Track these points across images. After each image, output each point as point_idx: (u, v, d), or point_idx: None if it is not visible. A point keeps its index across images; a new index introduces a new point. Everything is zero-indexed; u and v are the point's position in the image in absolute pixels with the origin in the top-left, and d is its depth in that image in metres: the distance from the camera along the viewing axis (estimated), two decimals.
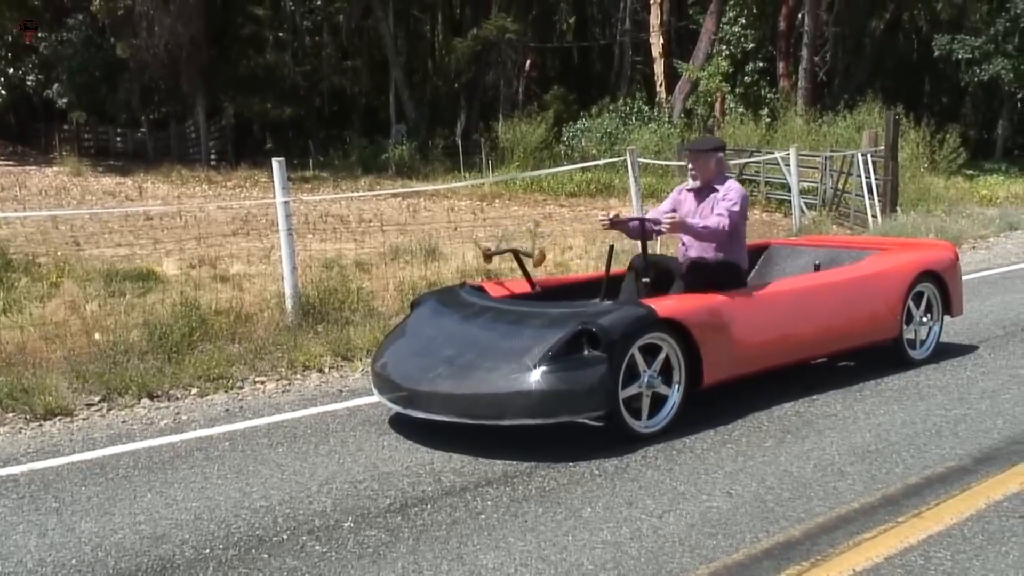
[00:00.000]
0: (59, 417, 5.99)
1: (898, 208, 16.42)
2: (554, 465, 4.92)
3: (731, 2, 33.88)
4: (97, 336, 7.67)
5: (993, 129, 42.99)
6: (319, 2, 44.57)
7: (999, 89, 37.90)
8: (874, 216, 15.77)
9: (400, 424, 5.68)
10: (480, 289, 6.28)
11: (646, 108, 34.72)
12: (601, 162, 20.66)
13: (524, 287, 6.45)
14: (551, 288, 6.54)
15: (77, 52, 40.20)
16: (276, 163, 8.57)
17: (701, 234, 6.06)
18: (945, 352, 7.09)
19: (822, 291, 6.43)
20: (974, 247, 13.88)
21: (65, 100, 41.50)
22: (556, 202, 24.58)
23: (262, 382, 6.82)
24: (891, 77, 41.16)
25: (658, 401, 5.41)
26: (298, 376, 6.99)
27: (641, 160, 14.34)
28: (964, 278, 7.66)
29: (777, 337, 6.01)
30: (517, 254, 6.56)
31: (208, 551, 3.99)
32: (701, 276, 6.02)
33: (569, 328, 5.15)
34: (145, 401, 6.34)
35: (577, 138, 33.48)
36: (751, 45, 33.44)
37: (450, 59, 41.60)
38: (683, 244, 6.41)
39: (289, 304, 8.38)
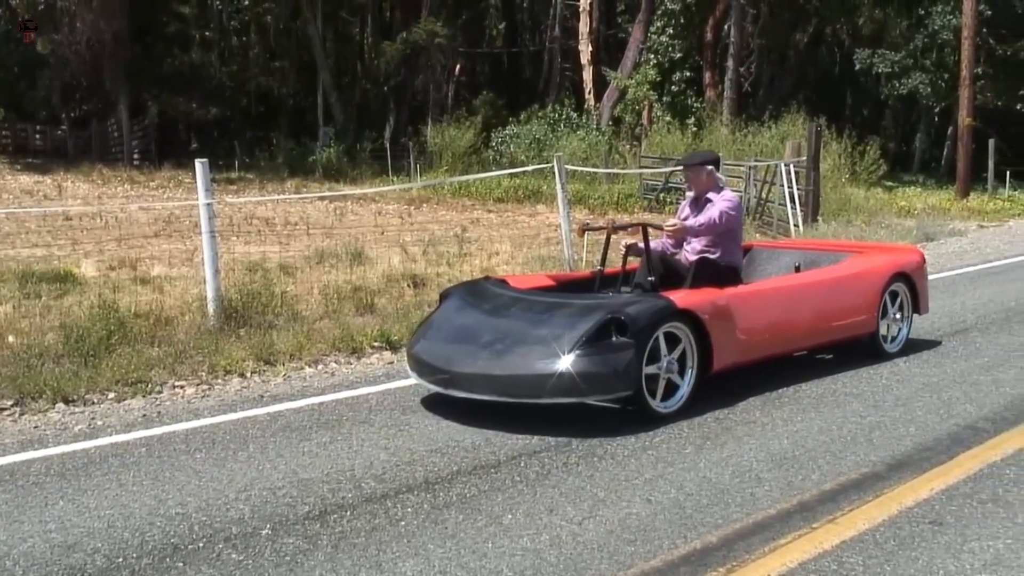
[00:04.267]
0: None
1: (819, 218, 16.78)
2: (475, 471, 4.92)
3: (659, 12, 34.29)
4: (11, 339, 7.47)
5: (911, 142, 44.15)
6: (246, 2, 44.05)
7: (917, 103, 38.93)
8: (796, 225, 16.09)
9: (321, 430, 5.63)
10: (503, 282, 6.83)
11: (574, 115, 34.97)
12: (529, 168, 20.75)
13: (540, 281, 7.16)
14: (565, 282, 7.16)
15: None
16: (199, 164, 8.44)
17: (699, 231, 6.76)
18: (861, 360, 7.25)
19: (811, 289, 7.04)
20: None
21: None
22: (484, 207, 24.59)
23: (181, 387, 6.71)
24: (814, 89, 42.05)
25: (672, 385, 5.93)
26: (219, 381, 6.89)
27: (569, 167, 14.42)
28: None
29: (772, 330, 6.61)
30: (616, 229, 7.00)
31: (121, 560, 3.90)
32: (705, 274, 6.59)
33: (599, 316, 5.66)
34: (60, 406, 6.18)
35: (506, 144, 33.56)
36: (678, 55, 33.89)
37: (379, 62, 41.37)
38: (686, 249, 7.01)
39: (211, 307, 8.26)
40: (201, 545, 4.04)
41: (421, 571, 3.81)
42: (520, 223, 20.16)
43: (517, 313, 6.08)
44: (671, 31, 34.13)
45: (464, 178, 25.02)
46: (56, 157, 39.39)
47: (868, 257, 7.78)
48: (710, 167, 6.95)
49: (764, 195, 18.82)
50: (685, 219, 6.94)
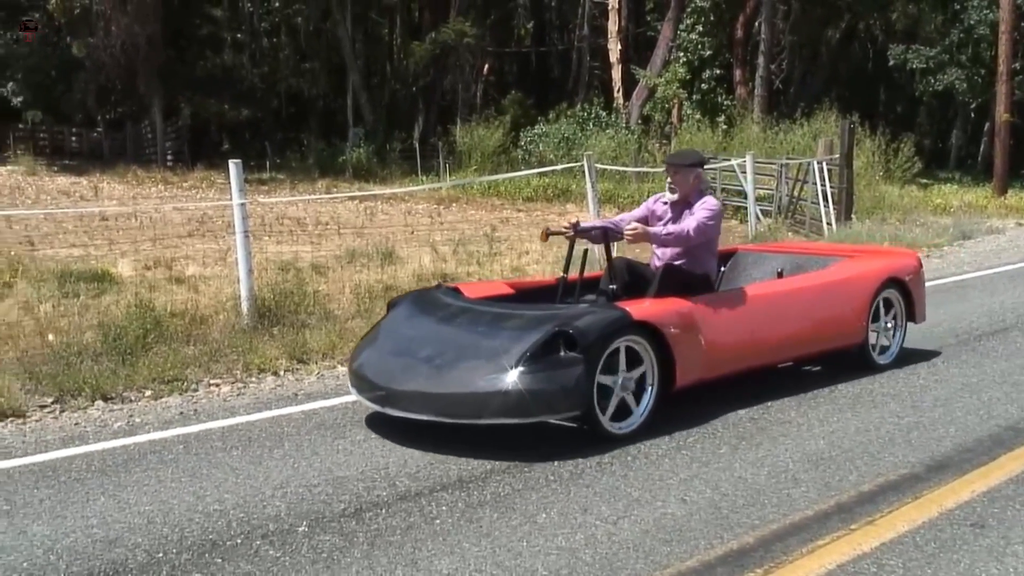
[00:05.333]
0: (11, 419, 5.90)
1: (853, 216, 16.65)
2: (509, 470, 4.92)
3: (689, 9, 34.16)
4: (51, 337, 7.57)
5: (947, 139, 43.74)
6: (277, 4, 44.31)
7: (953, 99, 38.56)
8: (829, 224, 15.97)
9: (355, 428, 5.66)
10: (456, 290, 6.39)
11: (603, 114, 34.90)
12: (558, 167, 20.74)
13: (499, 289, 6.63)
14: (526, 290, 6.66)
15: (33, 51, 39.64)
16: (233, 165, 8.52)
17: (666, 241, 6.18)
18: (899, 360, 7.19)
19: (790, 297, 6.60)
20: (928, 256, 14.09)
21: (20, 99, 40.92)
22: (513, 206, 24.61)
23: (217, 385, 6.76)
24: (847, 86, 41.74)
25: (629, 404, 5.53)
26: (253, 379, 6.94)
27: (598, 166, 14.40)
28: None
29: (746, 341, 6.16)
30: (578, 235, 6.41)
31: (161, 555, 3.94)
32: (672, 282, 6.06)
33: (546, 330, 5.27)
34: (99, 403, 6.25)
35: (535, 143, 33.56)
36: (708, 52, 33.75)
37: (408, 63, 41.50)
38: (655, 254, 6.49)
39: (245, 306, 8.32)
40: (239, 541, 4.07)
41: (457, 569, 3.82)
42: (550, 222, 20.13)
43: (463, 325, 5.66)
44: (701, 28, 34.01)
45: (493, 178, 25.05)
46: (92, 159, 39.82)
47: (857, 262, 7.30)
48: (699, 169, 6.44)
49: (797, 193, 18.69)
50: (666, 222, 6.33)
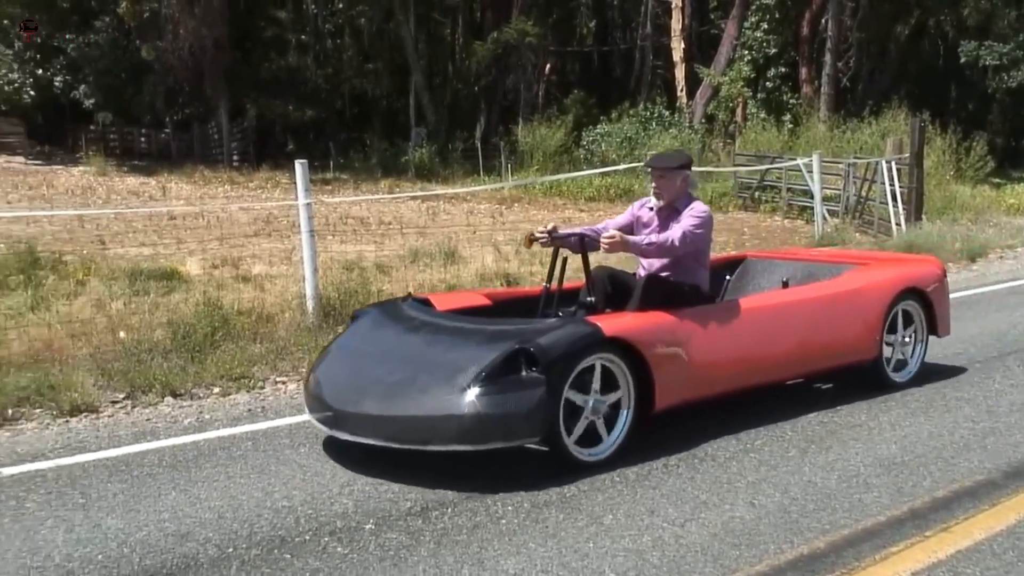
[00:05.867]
0: (85, 414, 6.02)
1: (923, 216, 16.32)
2: (575, 470, 4.89)
3: (754, 7, 33.79)
4: (122, 334, 7.71)
5: (1021, 137, 42.69)
6: (341, 5, 44.73)
7: None
8: (898, 224, 15.68)
9: None
10: (425, 302, 5.90)
11: (666, 113, 34.67)
12: (621, 167, 20.67)
13: (474, 300, 6.12)
14: (505, 301, 6.14)
15: (104, 54, 40.52)
16: (299, 165, 8.61)
17: (647, 251, 5.71)
18: (972, 364, 7.03)
19: (790, 309, 6.07)
20: (1001, 257, 13.77)
21: (92, 101, 41.84)
22: (575, 206, 24.56)
23: (283, 382, 6.84)
24: (916, 83, 40.95)
25: (607, 426, 5.09)
26: None
27: None
28: (991, 288, 7.60)
29: (739, 358, 5.68)
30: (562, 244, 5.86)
31: (231, 550, 3.99)
32: (657, 294, 5.56)
33: (506, 347, 4.82)
34: (169, 399, 6.36)
35: (597, 142, 33.45)
36: (773, 50, 33.35)
37: (470, 62, 41.64)
38: (642, 264, 6.02)
39: (310, 305, 8.41)
40: (307, 538, 4.11)
41: (523, 569, 3.81)
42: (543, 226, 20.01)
43: (421, 342, 5.23)
44: (766, 26, 33.63)
45: (555, 177, 25.03)
46: (160, 159, 40.57)
47: (871, 271, 6.70)
48: (687, 172, 5.92)
49: (865, 193, 18.39)
50: (652, 230, 5.85)
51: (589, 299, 5.63)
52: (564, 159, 32.29)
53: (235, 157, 38.56)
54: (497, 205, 24.49)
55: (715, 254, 7.59)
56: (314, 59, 44.06)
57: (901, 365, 6.62)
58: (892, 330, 6.51)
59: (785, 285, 6.59)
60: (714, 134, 32.71)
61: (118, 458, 5.21)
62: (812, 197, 17.14)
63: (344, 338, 5.65)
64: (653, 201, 5.90)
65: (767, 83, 33.08)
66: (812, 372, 6.33)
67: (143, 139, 45.24)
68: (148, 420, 5.97)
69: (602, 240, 5.55)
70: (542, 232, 5.75)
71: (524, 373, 4.75)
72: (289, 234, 15.34)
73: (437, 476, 4.81)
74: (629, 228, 5.94)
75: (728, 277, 6.86)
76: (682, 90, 36.52)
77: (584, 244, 5.68)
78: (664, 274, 5.79)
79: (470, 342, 5.06)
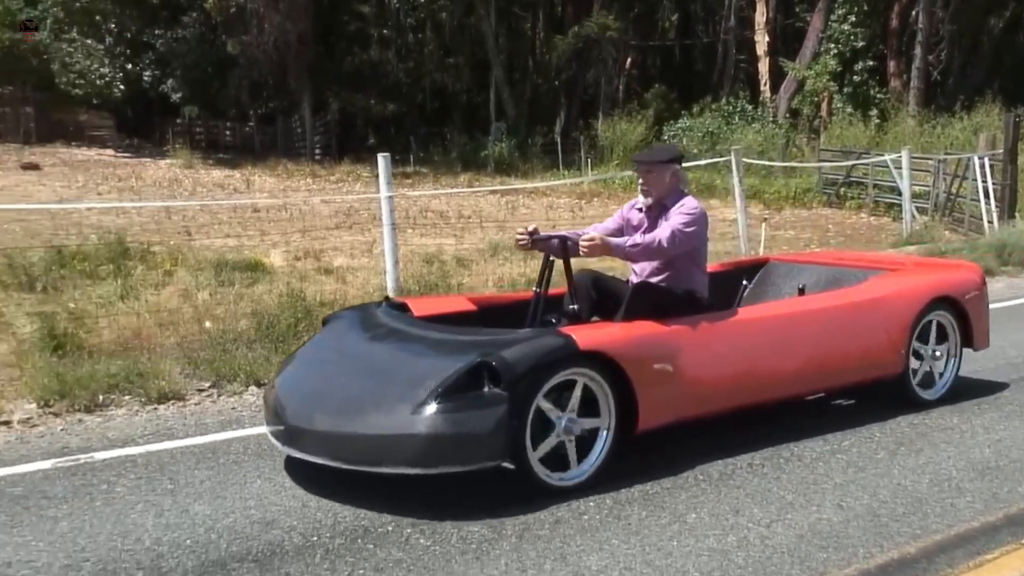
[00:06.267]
0: (172, 401, 6.15)
1: (1016, 214, 15.83)
2: (658, 467, 4.84)
3: None
4: (208, 324, 7.86)
5: None
6: (422, 0, 45.02)
7: None
8: (990, 222, 15.23)
9: None
10: (402, 307, 5.50)
11: (749, 108, 34.21)
12: (702, 162, 20.40)
13: (457, 305, 5.69)
14: (492, 308, 5.69)
15: (191, 49, 41.40)
16: (382, 159, 8.67)
17: (631, 254, 5.22)
18: None
19: (800, 319, 5.56)
20: None
21: (179, 95, 42.79)
22: None
23: None
24: (1011, 77, 39.65)
25: (581, 448, 4.64)
26: None
27: (745, 160, 14.10)
28: None
29: (739, 373, 5.20)
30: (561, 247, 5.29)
31: (316, 538, 4.03)
32: (646, 303, 5.13)
33: (467, 360, 4.41)
34: (253, 388, 6.45)
35: (678, 137, 33.14)
36: (861, 43, 32.64)
37: (551, 57, 41.58)
38: (634, 270, 5.60)
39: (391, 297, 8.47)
40: (390, 528, 4.13)
41: (606, 566, 3.78)
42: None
43: (385, 352, 4.83)
44: (853, 18, 32.92)
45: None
46: (244, 152, 41.34)
47: (898, 278, 6.14)
48: (676, 166, 5.48)
49: (955, 190, 17.90)
50: (643, 232, 5.36)
51: (572, 307, 5.19)
52: None
53: (317, 150, 39.09)
54: (576, 200, 24.42)
55: (734, 258, 7.42)
56: (396, 53, 44.42)
57: (930, 381, 6.04)
58: (923, 342, 5.97)
59: (801, 292, 6.10)
60: (798, 129, 32.16)
61: (204, 445, 5.31)
62: (900, 194, 16.75)
63: (308, 346, 5.30)
64: (641, 200, 5.48)
65: (854, 77, 32.39)
66: (827, 388, 5.79)
67: (228, 132, 46.12)
68: (233, 408, 6.07)
69: (580, 244, 5.10)
70: (522, 234, 5.33)
71: (486, 389, 4.32)
72: (369, 227, 15.50)
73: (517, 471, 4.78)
74: (619, 232, 5.47)
75: (746, 283, 6.50)
76: (766, 84, 35.98)
77: (566, 248, 5.20)
78: (656, 279, 5.37)
79: (432, 354, 4.66)
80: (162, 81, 43.11)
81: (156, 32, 42.53)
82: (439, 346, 4.74)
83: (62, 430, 5.61)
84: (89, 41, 43.21)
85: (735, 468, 4.87)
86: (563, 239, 5.22)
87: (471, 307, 5.63)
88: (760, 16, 36.79)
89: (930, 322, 5.97)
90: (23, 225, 15.63)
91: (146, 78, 43.66)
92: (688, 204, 5.33)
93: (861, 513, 4.29)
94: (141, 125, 45.70)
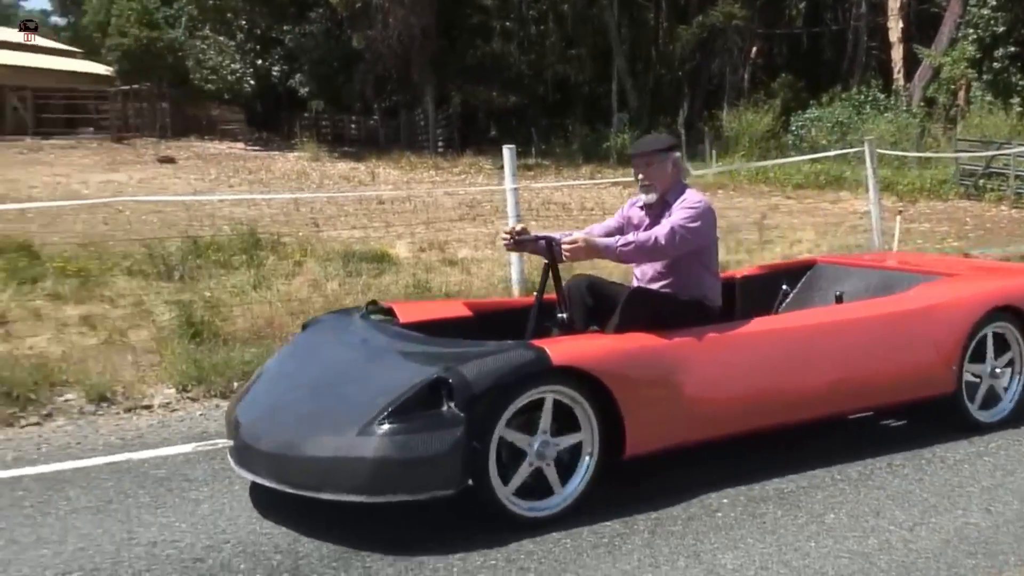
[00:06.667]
0: None
1: None
2: (791, 466, 4.71)
3: None
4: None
5: None
6: None
7: None
8: None
9: None
10: (387, 312, 5.06)
11: (882, 96, 33.10)
12: (831, 153, 19.85)
13: (452, 311, 5.21)
14: (490, 314, 5.20)
15: (318, 44, 42.31)
16: (507, 150, 8.71)
17: (624, 255, 4.65)
18: None
19: (829, 331, 4.95)
20: None
21: (306, 89, 43.78)
22: (783, 194, 23.80)
23: None
24: None
25: (565, 474, 4.18)
26: None
27: (878, 151, 13.64)
28: None
29: (752, 392, 4.64)
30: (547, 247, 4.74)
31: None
32: (643, 311, 4.60)
33: (425, 375, 3.98)
34: None
35: (806, 127, 32.33)
36: (1002, 28, 31.19)
37: (674, 47, 41.09)
38: (635, 275, 5.09)
39: (516, 289, 8.50)
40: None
41: (741, 564, 3.69)
42: (822, 210, 19.33)
43: (348, 365, 4.39)
44: (994, 2, 31.50)
45: (761, 164, 24.35)
46: (369, 145, 42.04)
47: (953, 284, 5.50)
48: (676, 154, 4.99)
49: None
50: (646, 228, 4.88)
51: (561, 315, 4.72)
52: (771, 145, 31.40)
53: (440, 143, 39.52)
54: (701, 191, 24.02)
55: (779, 260, 6.97)
56: (518, 45, 44.54)
57: (990, 402, 5.38)
58: (979, 358, 5.32)
59: (839, 300, 5.56)
60: (933, 118, 30.97)
61: None
62: None
63: (276, 355, 4.95)
64: (643, 197, 4.98)
65: (994, 64, 30.98)
66: (863, 408, 5.22)
67: (353, 126, 46.99)
68: None
69: (562, 246, 4.57)
70: (506, 234, 4.87)
71: (445, 408, 3.89)
72: (492, 219, 15.56)
73: (648, 465, 4.70)
74: (620, 232, 5.00)
75: (785, 287, 5.95)
76: (899, 72, 34.77)
77: (551, 249, 4.66)
78: (658, 284, 4.86)
79: (393, 368, 4.21)
80: (290, 76, 44.17)
81: (284, 28, 43.58)
82: (403, 359, 4.29)
83: (200, 415, 5.79)
84: (221, 38, 44.58)
85: (873, 468, 4.71)
86: (548, 240, 4.70)
87: (466, 313, 5.16)
88: (893, 2, 35.58)
89: (987, 335, 5.30)
90: (160, 216, 16.23)
91: (275, 73, 44.80)
92: (691, 197, 4.83)
93: (1011, 519, 4.10)
94: (270, 119, 46.93)
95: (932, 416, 5.35)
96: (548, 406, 4.07)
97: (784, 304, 5.90)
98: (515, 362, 4.01)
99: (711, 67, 42.53)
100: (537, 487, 4.09)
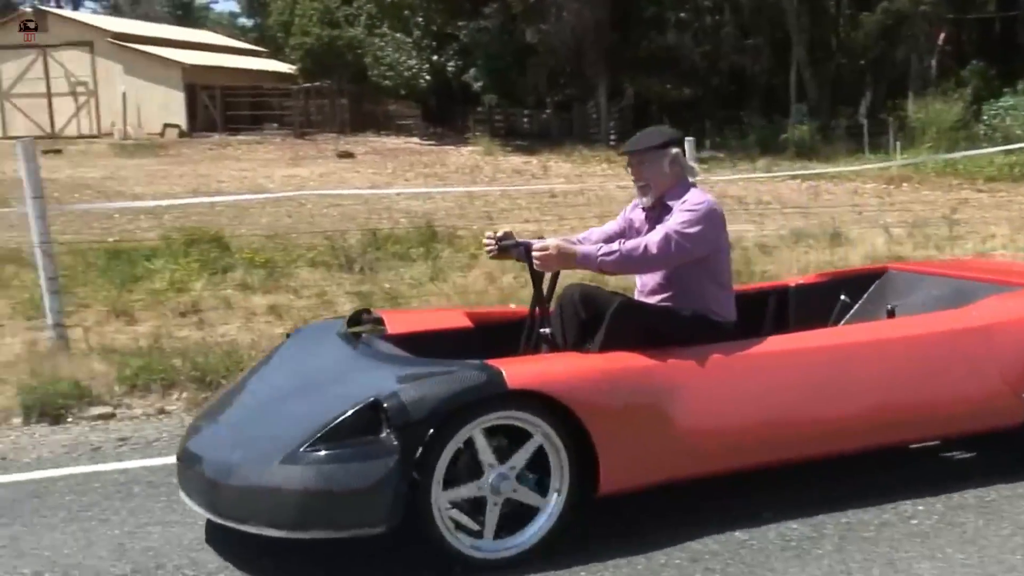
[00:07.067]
0: None
1: None
2: (993, 470, 4.44)
3: None
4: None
5: None
6: None
7: None
8: None
9: None
10: (378, 322, 4.57)
11: None
12: None
13: (450, 322, 4.69)
14: (492, 325, 4.65)
15: (492, 39, 42.84)
16: (686, 143, 8.57)
17: (606, 265, 4.05)
18: None
19: (857, 354, 4.22)
20: None
21: (480, 84, 44.39)
22: (973, 187, 22.61)
23: None
24: None
25: (524, 514, 3.69)
26: None
27: None
28: None
29: (762, 423, 4.00)
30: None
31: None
32: (632, 327, 4.00)
33: (363, 398, 3.54)
34: None
35: (999, 117, 30.59)
36: None
37: (856, 34, 39.59)
38: (638, 287, 4.47)
39: None
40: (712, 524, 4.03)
41: (940, 575, 3.50)
42: (1017, 204, 18.26)
43: (302, 383, 4.01)
44: None
45: (949, 156, 23.16)
46: (541, 139, 42.30)
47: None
48: (674, 150, 4.30)
49: None
50: (646, 234, 4.27)
51: (544, 330, 4.20)
52: (960, 135, 29.86)
53: (612, 136, 39.39)
54: (884, 185, 23.11)
55: (940, 259, 6.27)
56: (692, 36, 43.88)
57: None
58: None
59: (891, 314, 4.89)
60: None
61: None
62: None
63: (246, 374, 4.60)
64: (642, 199, 4.40)
65: None
66: (911, 440, 4.51)
67: (525, 119, 47.36)
68: None
69: (532, 252, 4.07)
70: (489, 239, 4.32)
71: (384, 435, 3.45)
72: None
73: (835, 467, 4.51)
74: (622, 237, 4.40)
75: (843, 298, 5.21)
76: None
77: (530, 257, 4.12)
78: (658, 297, 4.27)
79: (340, 388, 3.78)
80: (464, 71, 44.87)
81: (459, 24, 44.32)
82: (355, 378, 3.84)
83: None
84: (398, 35, 45.73)
85: None
86: (528, 246, 4.15)
87: (465, 324, 4.64)
88: None
89: None
90: (340, 210, 16.82)
91: (450, 68, 45.60)
92: (692, 198, 4.21)
93: None
94: (444, 114, 47.82)
95: None
96: (481, 441, 3.57)
97: (842, 317, 5.19)
98: (464, 384, 3.54)
99: (895, 55, 40.78)
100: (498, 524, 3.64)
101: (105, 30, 43.99)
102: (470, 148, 37.17)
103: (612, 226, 4.57)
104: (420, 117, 46.64)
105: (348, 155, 32.64)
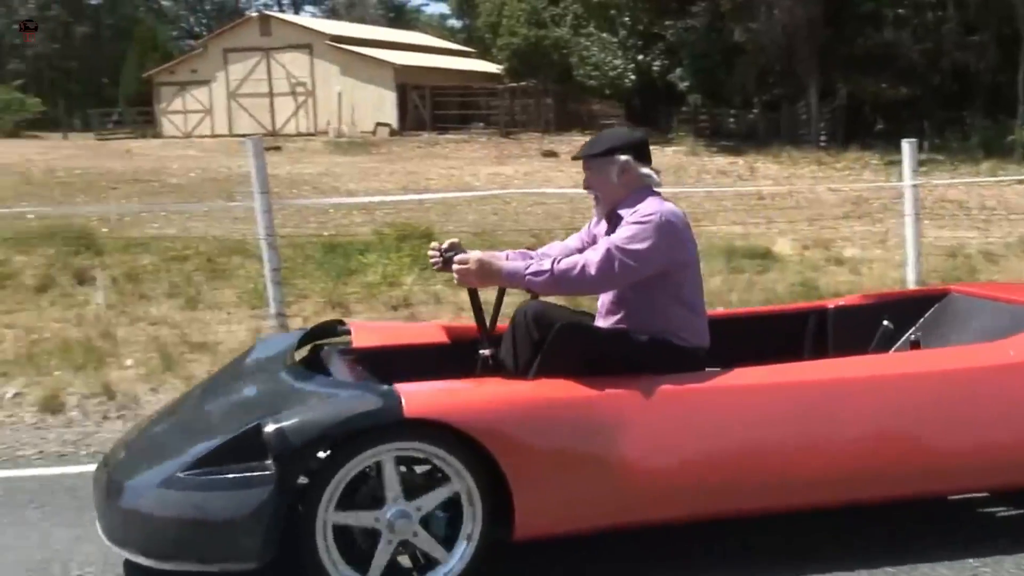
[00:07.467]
0: None
1: None
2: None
3: None
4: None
5: None
6: None
7: None
8: None
9: None
10: (344, 334, 4.34)
11: None
12: None
13: (420, 335, 4.39)
14: (467, 342, 4.09)
15: (699, 38, 42.31)
16: (907, 145, 8.35)
17: (535, 285, 3.64)
18: None
19: (843, 392, 3.61)
20: None
21: (685, 84, 43.92)
22: None
23: None
24: None
25: (431, 557, 3.36)
26: None
27: None
28: None
29: (720, 467, 3.47)
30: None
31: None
32: (574, 353, 3.56)
33: (249, 422, 3.32)
34: None
35: None
36: None
37: None
38: (599, 302, 3.95)
39: None
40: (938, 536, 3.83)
41: None
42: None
43: (229, 399, 3.79)
44: None
45: None
46: (747, 139, 41.45)
47: None
48: (623, 158, 3.78)
49: None
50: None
51: (483, 352, 3.80)
52: None
53: (822, 137, 38.18)
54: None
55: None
56: (911, 33, 41.91)
57: None
58: None
59: (916, 346, 4.37)
60: None
61: None
62: None
63: (208, 378, 4.43)
64: (596, 210, 3.97)
65: None
66: (918, 493, 3.78)
67: (731, 119, 46.54)
68: None
69: (455, 263, 3.73)
70: (433, 251, 3.97)
71: (267, 462, 3.19)
72: (880, 217, 14.79)
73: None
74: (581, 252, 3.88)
75: (886, 323, 4.50)
76: None
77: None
78: (613, 319, 3.79)
79: (242, 410, 3.60)
80: (670, 70, 44.50)
81: (666, 23, 43.97)
82: (263, 399, 3.62)
83: None
84: (604, 35, 45.82)
85: None
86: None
87: (439, 339, 4.28)
88: None
89: None
90: (544, 208, 17.00)
91: (655, 68, 45.33)
92: (643, 209, 3.70)
93: None
94: (648, 113, 47.59)
95: None
96: (389, 470, 3.27)
97: (881, 344, 4.51)
98: (355, 410, 3.23)
99: None
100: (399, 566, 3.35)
101: (324, 33, 46.21)
102: (674, 148, 36.81)
103: (574, 241, 4.14)
104: (624, 116, 46.61)
105: (552, 154, 32.97)
